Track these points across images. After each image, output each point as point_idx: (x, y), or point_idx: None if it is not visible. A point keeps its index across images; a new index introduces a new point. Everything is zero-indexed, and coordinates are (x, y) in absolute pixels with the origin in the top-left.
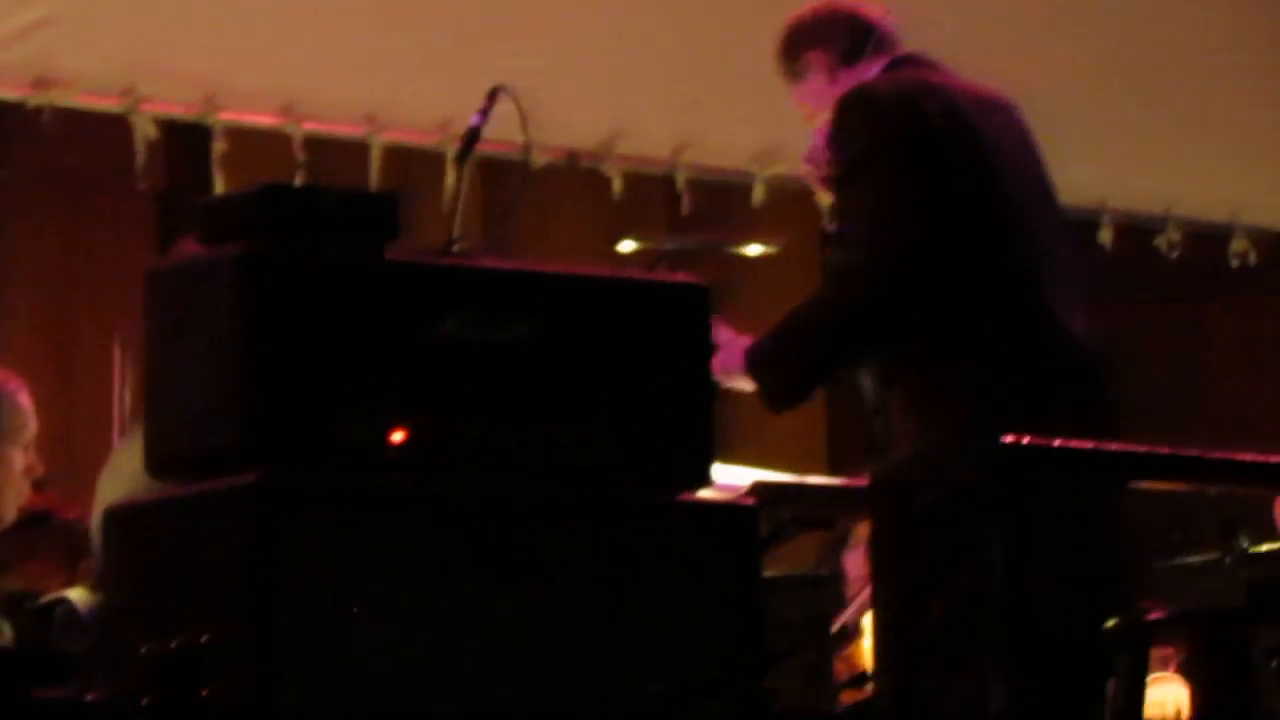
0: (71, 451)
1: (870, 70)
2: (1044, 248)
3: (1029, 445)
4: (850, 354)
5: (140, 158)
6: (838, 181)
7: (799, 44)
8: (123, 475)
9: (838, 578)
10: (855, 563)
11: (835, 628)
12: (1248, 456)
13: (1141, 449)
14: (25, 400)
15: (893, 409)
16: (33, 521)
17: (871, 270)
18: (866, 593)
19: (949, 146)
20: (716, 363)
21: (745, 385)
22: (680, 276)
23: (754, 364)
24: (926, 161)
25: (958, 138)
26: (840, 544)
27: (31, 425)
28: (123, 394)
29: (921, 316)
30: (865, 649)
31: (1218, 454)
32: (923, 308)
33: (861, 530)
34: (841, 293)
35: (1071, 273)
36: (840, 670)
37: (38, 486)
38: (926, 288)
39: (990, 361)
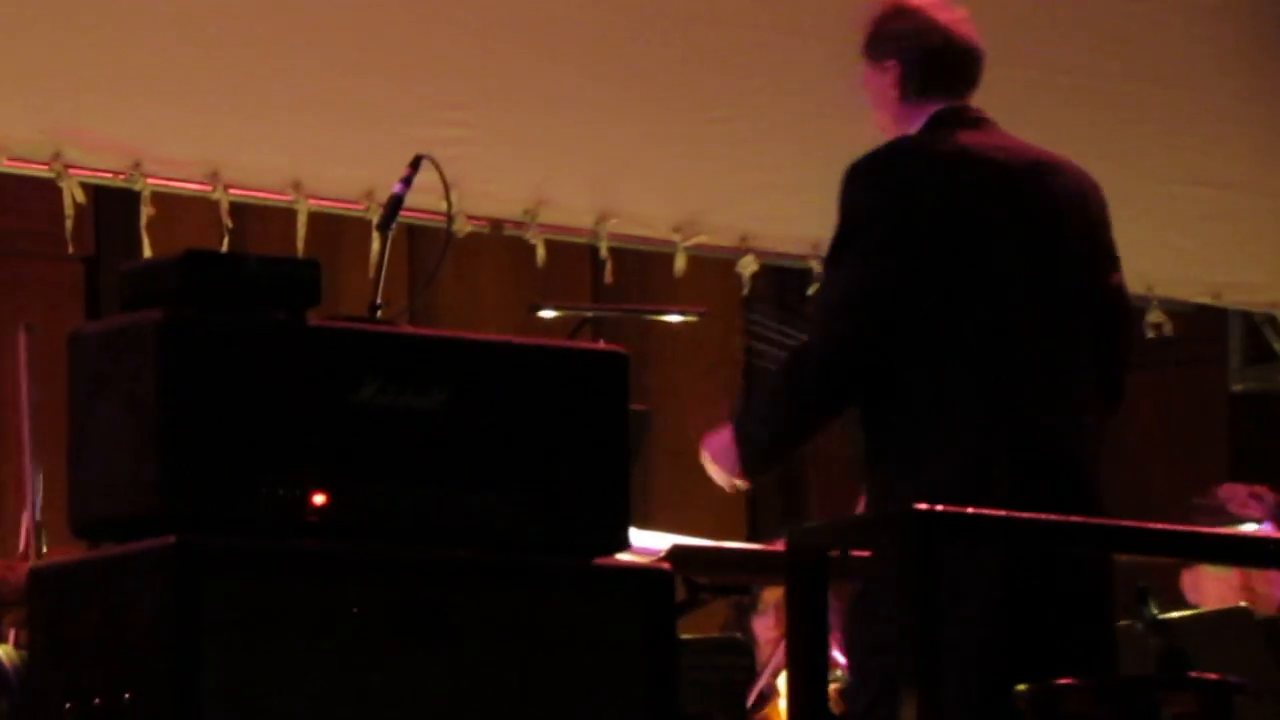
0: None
1: (920, 116)
2: (1036, 338)
3: (934, 512)
4: (801, 427)
5: (69, 222)
6: (829, 250)
7: (889, 45)
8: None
9: (749, 642)
10: (764, 627)
11: (753, 691)
12: (1156, 526)
13: (1052, 518)
14: None
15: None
16: None
17: (821, 357)
18: (780, 656)
19: (937, 229)
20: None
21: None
22: (600, 345)
23: (735, 437)
24: (907, 247)
25: (952, 219)
26: (749, 609)
27: None
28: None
29: (872, 402)
30: (781, 711)
31: (1127, 523)
32: (872, 396)
33: (769, 595)
34: (794, 370)
35: (1077, 360)
36: None
37: None
38: (872, 381)
39: (944, 462)
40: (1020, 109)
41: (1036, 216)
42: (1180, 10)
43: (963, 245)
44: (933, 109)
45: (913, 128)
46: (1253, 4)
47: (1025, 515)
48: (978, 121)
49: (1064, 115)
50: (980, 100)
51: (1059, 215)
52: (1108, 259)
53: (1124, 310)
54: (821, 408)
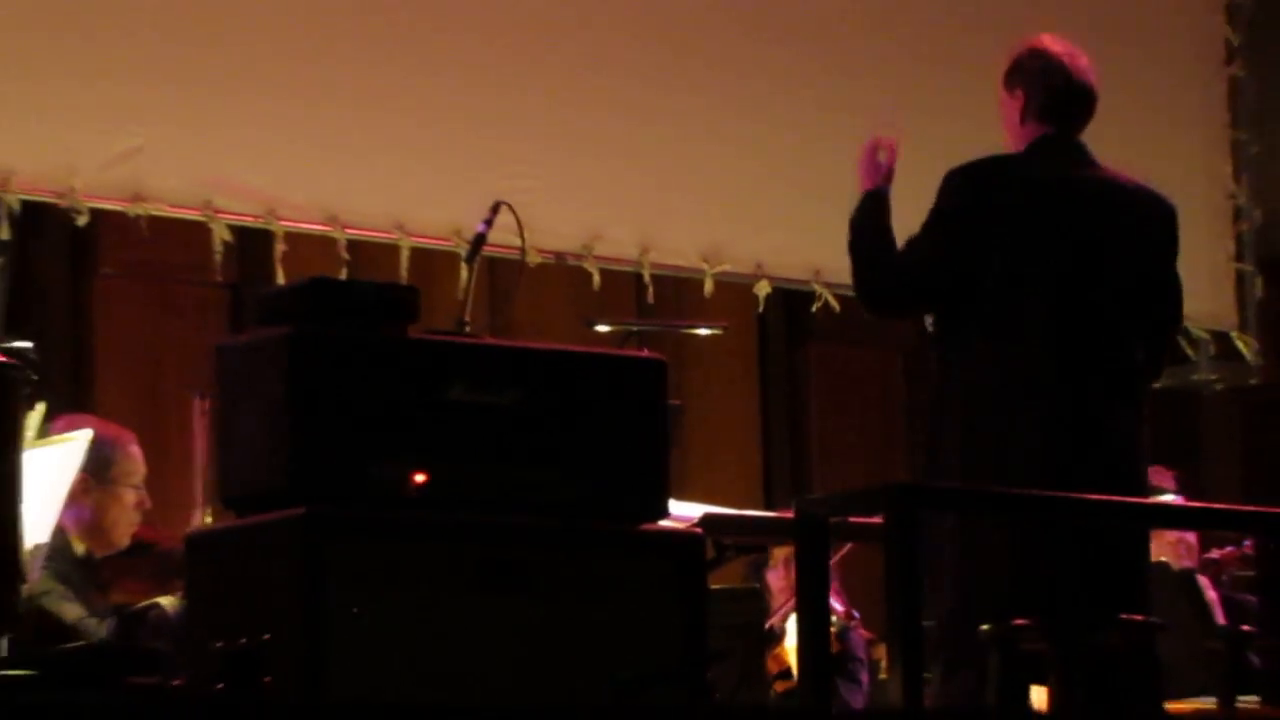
0: (161, 494)
1: (1028, 136)
2: (1079, 337)
3: (910, 485)
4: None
5: (217, 256)
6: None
7: (1021, 76)
8: None
9: (763, 591)
10: (775, 579)
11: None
12: (1104, 498)
13: (1005, 491)
14: (136, 450)
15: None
16: (139, 548)
17: (894, 273)
18: (787, 604)
19: (1004, 229)
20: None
21: None
22: (643, 352)
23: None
24: (964, 238)
25: (1023, 232)
26: (762, 565)
27: (141, 470)
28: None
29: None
30: (788, 648)
31: (1075, 496)
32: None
33: (778, 552)
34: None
35: (1118, 366)
36: (770, 666)
37: (145, 519)
38: (908, 313)
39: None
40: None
41: (1092, 228)
42: None
43: (1017, 245)
44: (1042, 134)
45: (1021, 147)
46: None
47: (980, 488)
48: (1070, 150)
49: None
50: None
51: (1112, 232)
52: (1160, 274)
53: (1161, 330)
54: (874, 288)
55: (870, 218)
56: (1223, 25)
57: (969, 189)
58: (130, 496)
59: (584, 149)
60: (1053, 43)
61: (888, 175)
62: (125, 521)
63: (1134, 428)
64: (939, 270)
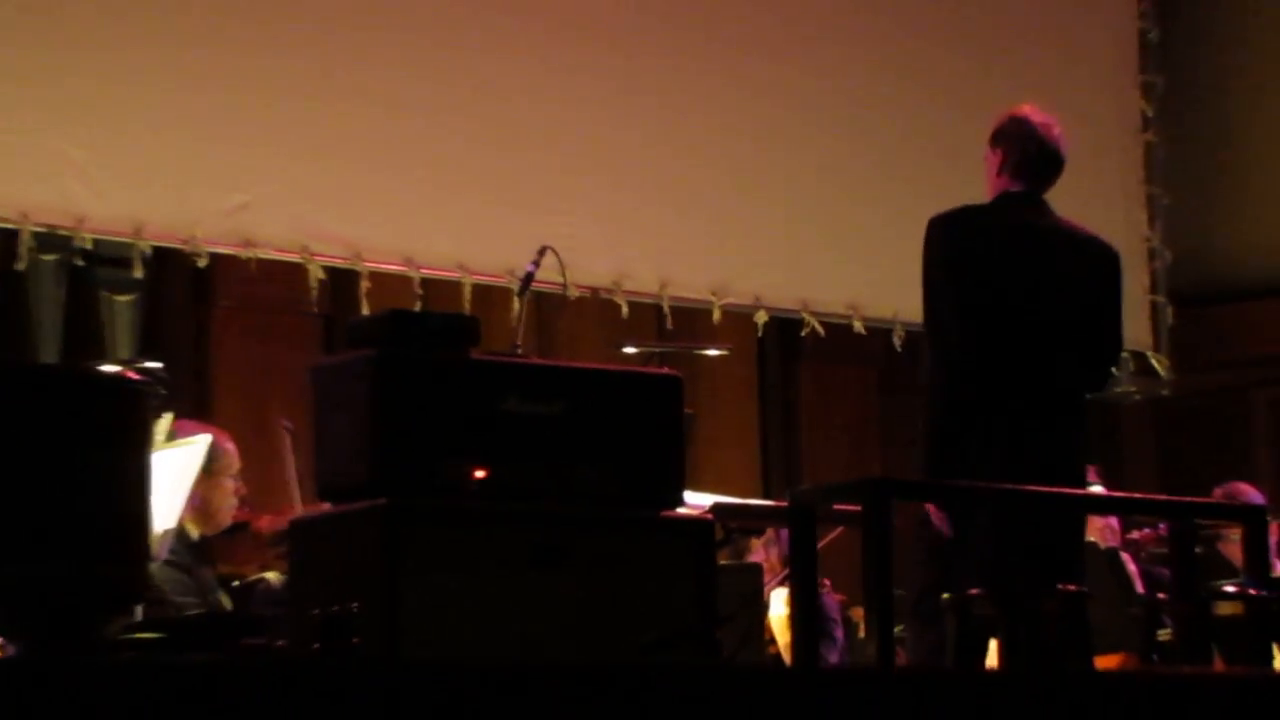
0: (264, 487)
1: (1000, 188)
2: (1033, 356)
3: (883, 479)
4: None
5: (312, 292)
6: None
7: (1000, 137)
8: None
9: (759, 567)
10: (762, 558)
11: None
12: (1048, 489)
13: (964, 484)
14: (231, 447)
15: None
16: (237, 528)
17: (936, 371)
18: (774, 579)
19: (972, 268)
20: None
21: None
22: (663, 370)
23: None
24: (954, 280)
25: (988, 268)
26: (742, 551)
27: (236, 463)
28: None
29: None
30: (772, 618)
31: (1023, 488)
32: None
33: (754, 541)
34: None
35: (1072, 380)
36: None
37: (242, 503)
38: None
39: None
40: None
41: (1054, 274)
42: None
43: (992, 286)
44: (1010, 189)
45: (992, 196)
46: None
47: (940, 481)
48: (1033, 204)
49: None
50: None
51: (1072, 280)
52: (1103, 309)
53: (1105, 347)
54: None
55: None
56: (1139, 99)
57: (946, 236)
58: (229, 485)
59: (613, 202)
60: (1033, 113)
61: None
62: (227, 506)
63: (1074, 433)
64: (955, 312)
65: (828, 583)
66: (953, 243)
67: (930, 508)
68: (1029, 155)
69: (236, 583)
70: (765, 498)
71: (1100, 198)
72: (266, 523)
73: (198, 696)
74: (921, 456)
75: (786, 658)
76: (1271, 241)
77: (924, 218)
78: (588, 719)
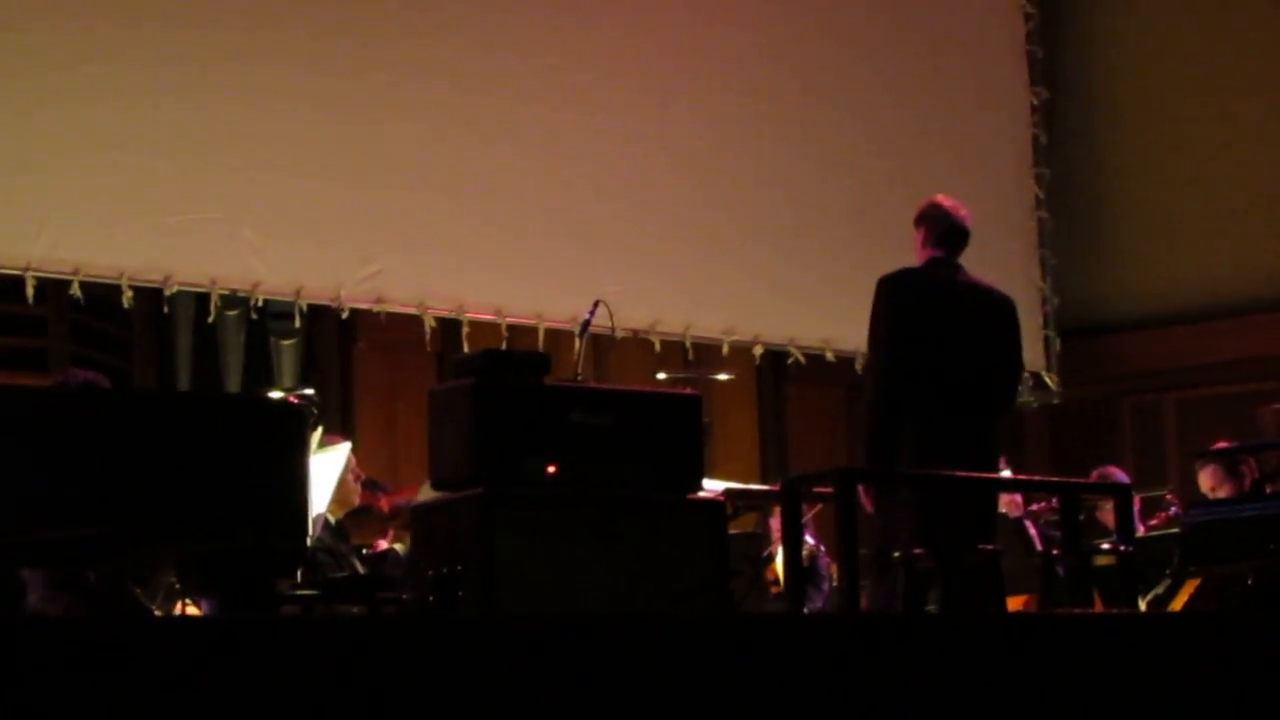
0: (394, 482)
1: (927, 256)
2: (964, 381)
3: (849, 468)
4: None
5: (428, 336)
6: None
7: (922, 218)
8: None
9: (766, 532)
10: (774, 524)
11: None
12: (975, 475)
13: (915, 472)
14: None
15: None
16: (362, 510)
17: (871, 390)
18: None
19: (914, 319)
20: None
21: None
22: (688, 390)
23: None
24: (897, 328)
25: (922, 315)
26: (767, 514)
27: (353, 459)
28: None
29: (895, 407)
30: (777, 564)
31: (957, 473)
32: (894, 405)
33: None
34: (866, 397)
35: (984, 396)
36: (769, 575)
37: (366, 486)
38: (894, 397)
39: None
40: None
41: (964, 313)
42: None
43: (926, 328)
44: (934, 256)
45: (921, 262)
46: None
47: (895, 470)
48: (952, 267)
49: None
50: None
51: (982, 319)
52: (1007, 347)
53: (1008, 372)
54: (881, 424)
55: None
56: (1033, 187)
57: (891, 291)
58: (350, 477)
59: (649, 265)
60: (945, 199)
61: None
62: (353, 491)
63: (990, 436)
64: (898, 358)
65: (823, 547)
66: (896, 296)
67: (861, 489)
68: (945, 231)
69: (366, 551)
70: (763, 483)
71: (1005, 260)
72: (385, 503)
73: (345, 638)
74: (863, 453)
75: None
76: (1131, 291)
77: (879, 272)
78: (633, 653)
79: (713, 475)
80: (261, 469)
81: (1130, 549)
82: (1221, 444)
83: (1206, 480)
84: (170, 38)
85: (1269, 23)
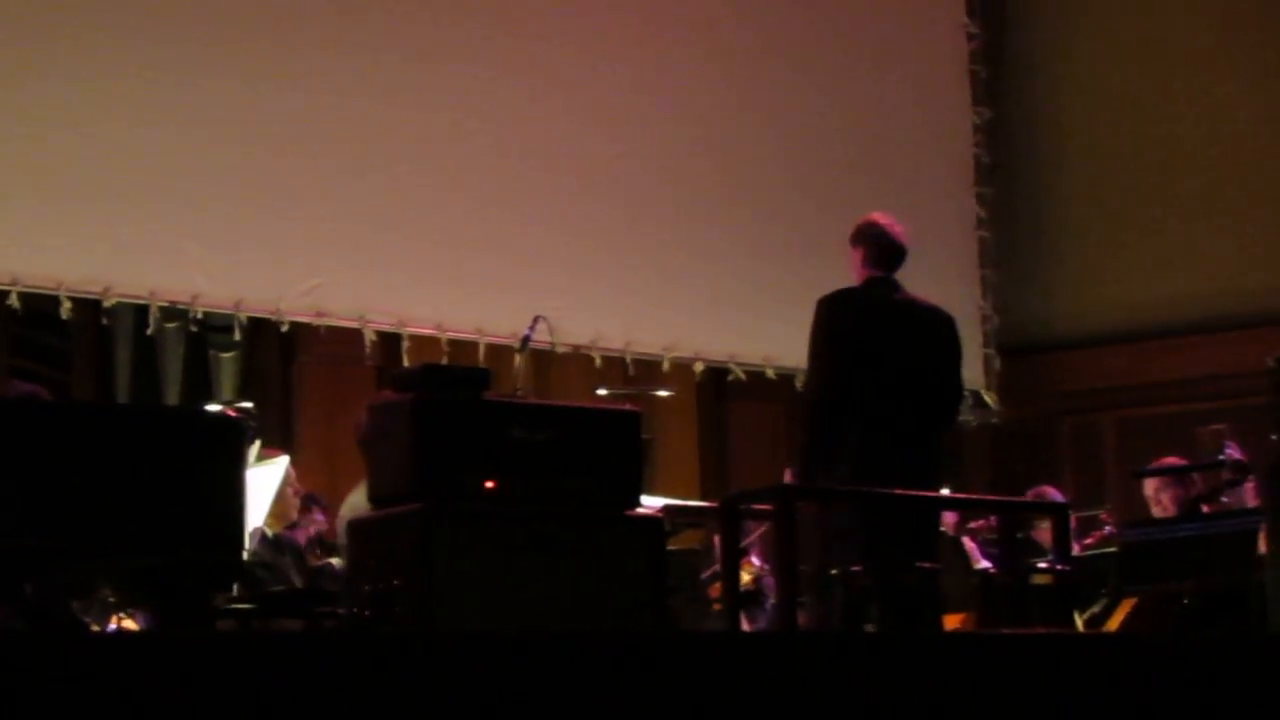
0: (334, 496)
1: (866, 275)
2: (904, 399)
3: (789, 486)
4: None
5: (368, 350)
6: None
7: (860, 237)
8: (353, 505)
9: (707, 552)
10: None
11: (706, 575)
12: (913, 492)
13: (848, 489)
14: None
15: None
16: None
17: (808, 402)
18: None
19: (854, 339)
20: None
21: None
22: (627, 406)
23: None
24: (839, 349)
25: (863, 335)
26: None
27: (293, 473)
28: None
29: (832, 423)
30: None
31: (896, 491)
32: (831, 420)
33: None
34: (802, 411)
35: (925, 414)
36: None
37: (305, 501)
38: (831, 412)
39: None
40: None
41: (904, 331)
42: None
43: (866, 348)
44: (873, 275)
45: (860, 281)
46: None
47: (833, 487)
48: (891, 285)
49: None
50: None
51: (918, 333)
52: (947, 365)
53: (949, 390)
54: (814, 441)
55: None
56: (974, 207)
57: (830, 311)
58: (290, 491)
59: (589, 282)
60: (881, 217)
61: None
62: (291, 505)
63: (932, 454)
64: (837, 377)
65: (769, 567)
66: (835, 316)
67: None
68: (883, 249)
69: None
70: (704, 500)
71: (947, 279)
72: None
73: (282, 653)
74: (797, 468)
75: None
76: (1070, 311)
77: (820, 290)
78: (571, 670)
79: (653, 492)
80: (198, 482)
81: (1067, 568)
82: (1171, 460)
83: (1152, 484)
84: (110, 51)
85: (1212, 46)
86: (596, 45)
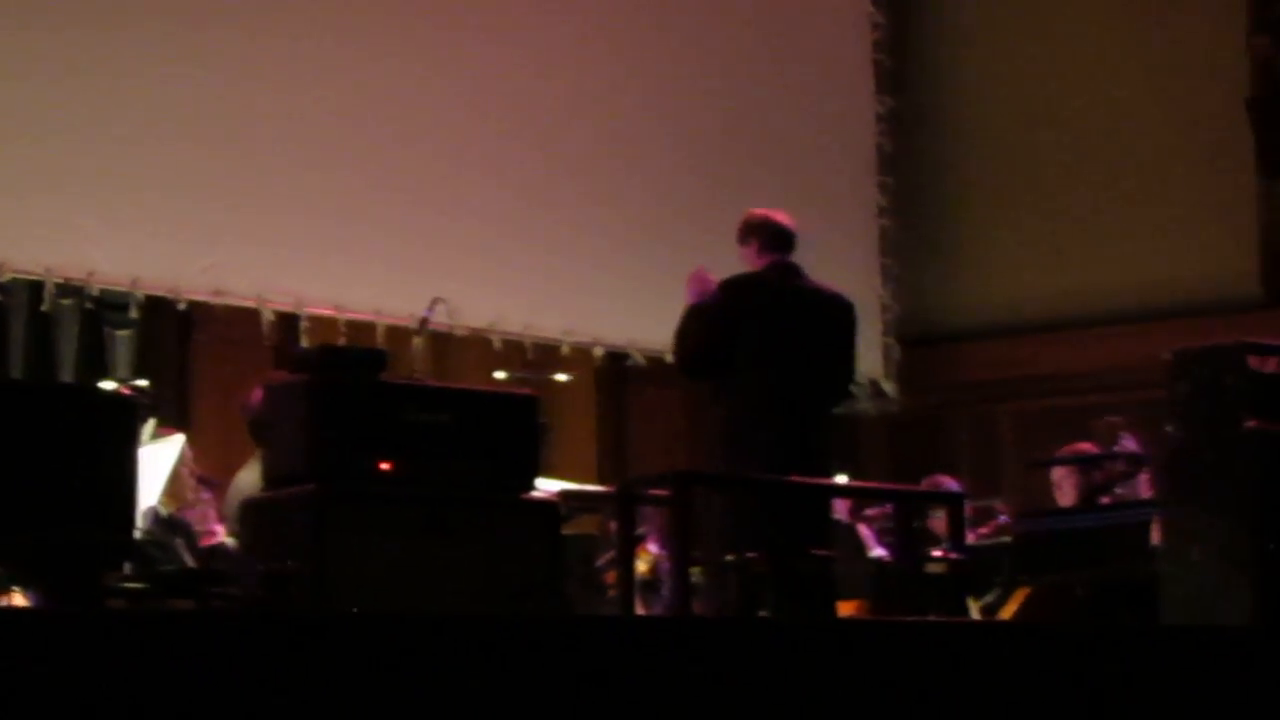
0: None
1: (763, 261)
2: (793, 380)
3: (687, 471)
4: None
5: (266, 330)
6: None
7: (749, 231)
8: (240, 486)
9: (604, 537)
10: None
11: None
12: (808, 480)
13: (747, 476)
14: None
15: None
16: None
17: (681, 354)
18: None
19: (749, 316)
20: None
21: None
22: (526, 390)
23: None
24: (732, 320)
25: (758, 313)
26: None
27: (189, 453)
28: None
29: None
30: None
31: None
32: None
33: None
34: (677, 342)
35: (819, 398)
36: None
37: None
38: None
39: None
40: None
41: (804, 317)
42: None
43: (763, 326)
44: (772, 260)
45: (761, 266)
46: None
47: (729, 474)
48: (791, 270)
49: None
50: None
51: (818, 319)
52: (842, 346)
53: (842, 374)
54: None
55: (689, 323)
56: (876, 196)
57: (732, 294)
58: (185, 471)
59: (490, 264)
60: (758, 209)
61: (705, 295)
62: (186, 485)
63: (826, 440)
64: (718, 348)
65: (664, 553)
66: (737, 299)
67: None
68: (774, 235)
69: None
70: (602, 485)
71: (848, 268)
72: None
73: (173, 632)
74: (718, 453)
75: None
76: (968, 302)
77: (721, 276)
78: (465, 653)
79: (551, 476)
80: (90, 459)
81: (961, 557)
82: (1083, 447)
83: (1059, 470)
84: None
85: (1113, 40)
86: (496, 27)
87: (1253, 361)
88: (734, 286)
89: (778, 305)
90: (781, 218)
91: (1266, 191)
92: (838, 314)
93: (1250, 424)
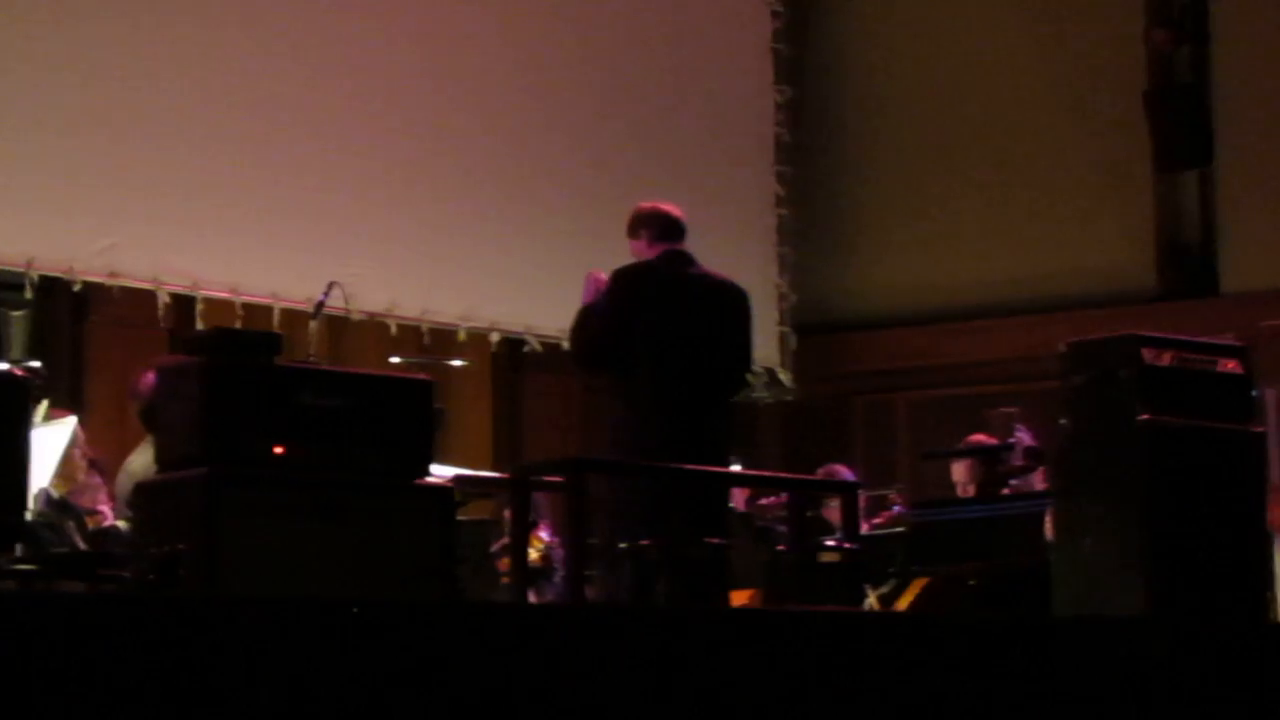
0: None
1: (655, 251)
2: (688, 368)
3: (581, 458)
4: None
5: (161, 313)
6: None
7: (639, 224)
8: (131, 469)
9: (499, 522)
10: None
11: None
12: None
13: (640, 463)
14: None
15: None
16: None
17: (575, 342)
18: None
19: (643, 305)
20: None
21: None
22: (422, 375)
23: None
24: (627, 309)
25: (652, 302)
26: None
27: (82, 436)
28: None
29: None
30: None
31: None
32: (611, 384)
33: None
34: (574, 339)
35: (713, 385)
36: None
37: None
38: (604, 365)
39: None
40: None
41: (697, 305)
42: None
43: (657, 315)
44: (664, 249)
45: (653, 256)
46: None
47: (625, 461)
48: (684, 258)
49: None
50: None
51: (711, 307)
52: (736, 333)
53: (737, 362)
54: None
55: (585, 320)
56: (774, 185)
57: (626, 283)
58: (77, 453)
59: (387, 248)
60: (649, 202)
61: (597, 295)
62: (78, 467)
63: (722, 428)
64: (614, 339)
65: (556, 539)
66: (631, 288)
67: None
68: (664, 225)
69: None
70: (495, 467)
71: (745, 256)
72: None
73: (64, 614)
74: (614, 441)
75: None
76: (864, 290)
77: (619, 263)
78: (355, 637)
79: (446, 461)
80: None
81: (855, 546)
82: (979, 438)
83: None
84: None
85: (1016, 32)
86: (388, 14)
87: (1147, 354)
88: (626, 276)
89: (671, 293)
90: (670, 208)
91: (1163, 185)
92: (732, 302)
93: (1143, 417)
